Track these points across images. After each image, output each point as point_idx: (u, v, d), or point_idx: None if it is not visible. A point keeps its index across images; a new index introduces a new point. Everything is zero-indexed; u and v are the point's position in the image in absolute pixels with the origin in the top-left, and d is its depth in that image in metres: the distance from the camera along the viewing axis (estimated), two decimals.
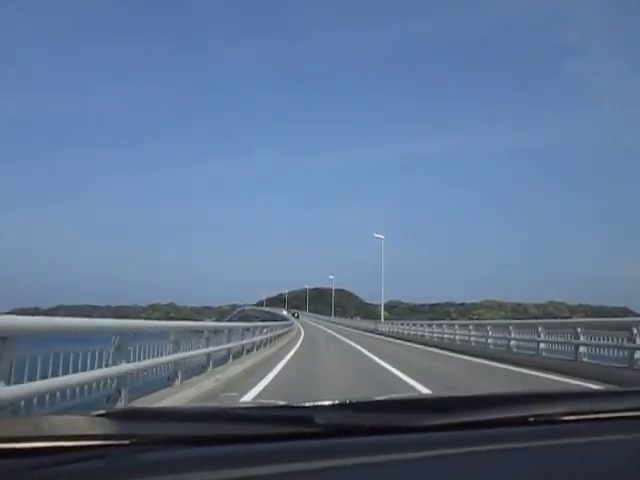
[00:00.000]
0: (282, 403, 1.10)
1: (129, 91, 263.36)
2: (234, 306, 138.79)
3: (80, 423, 0.88)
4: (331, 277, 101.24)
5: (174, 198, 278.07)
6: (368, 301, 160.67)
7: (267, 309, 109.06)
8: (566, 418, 1.10)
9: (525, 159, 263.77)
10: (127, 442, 0.85)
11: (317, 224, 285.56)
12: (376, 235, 46.58)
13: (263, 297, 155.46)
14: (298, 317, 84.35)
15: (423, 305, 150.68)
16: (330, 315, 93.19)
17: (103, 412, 0.92)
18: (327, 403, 1.06)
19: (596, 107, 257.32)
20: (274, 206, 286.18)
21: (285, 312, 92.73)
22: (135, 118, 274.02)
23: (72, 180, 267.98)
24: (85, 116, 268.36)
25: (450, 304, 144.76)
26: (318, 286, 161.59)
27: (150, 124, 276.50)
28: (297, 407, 1.06)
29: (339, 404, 1.07)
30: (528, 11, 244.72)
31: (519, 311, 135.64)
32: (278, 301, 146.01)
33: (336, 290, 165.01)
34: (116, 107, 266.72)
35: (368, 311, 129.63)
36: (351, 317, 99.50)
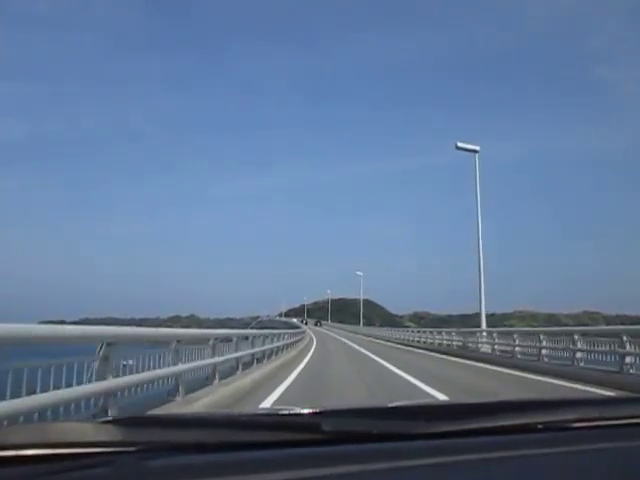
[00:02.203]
0: (288, 409, 1.11)
1: (155, 106, 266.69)
2: (256, 318, 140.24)
3: (87, 430, 0.90)
4: (359, 273, 79.08)
5: (196, 210, 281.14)
6: (394, 312, 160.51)
7: (283, 319, 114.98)
8: (575, 425, 1.10)
9: (554, 166, 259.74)
10: (134, 449, 0.87)
11: (341, 235, 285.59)
12: (463, 145, 25.86)
13: (285, 308, 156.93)
14: (307, 323, 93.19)
15: (451, 316, 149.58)
16: (357, 324, 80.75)
17: (110, 419, 0.95)
18: (334, 409, 1.08)
19: (626, 114, 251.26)
20: (297, 217, 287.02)
21: (295, 320, 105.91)
22: (161, 133, 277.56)
23: (97, 195, 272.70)
24: (115, 132, 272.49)
25: (479, 315, 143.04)
26: (342, 296, 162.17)
27: (174, 138, 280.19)
28: (304, 414, 1.06)
29: (346, 410, 1.09)
30: (555, 18, 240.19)
31: (552, 322, 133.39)
32: (300, 312, 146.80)
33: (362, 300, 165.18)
34: (142, 122, 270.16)
35: (394, 322, 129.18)
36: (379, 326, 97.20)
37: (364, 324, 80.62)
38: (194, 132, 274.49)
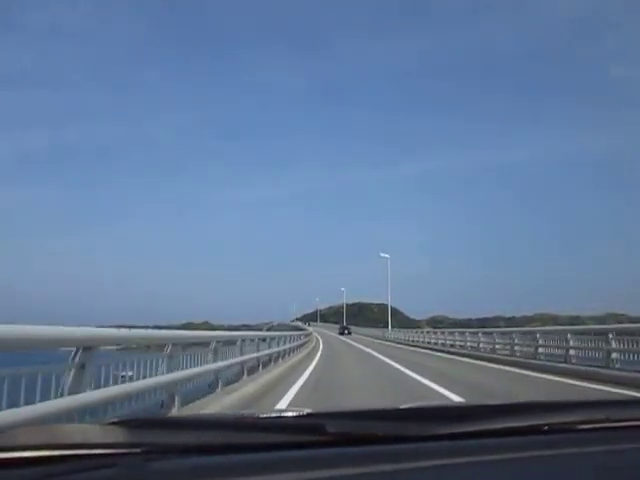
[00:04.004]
0: (293, 411, 1.10)
1: (177, 119, 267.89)
2: (268, 323, 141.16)
3: (92, 431, 0.92)
4: (385, 255, 59.16)
5: (210, 216, 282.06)
6: (412, 316, 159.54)
7: (292, 324, 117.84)
8: (581, 427, 1.11)
9: (574, 167, 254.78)
10: (138, 451, 0.87)
11: (357, 241, 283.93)
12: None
13: (300, 314, 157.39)
14: (309, 325, 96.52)
15: (470, 320, 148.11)
16: (375, 328, 67.65)
17: (115, 420, 0.96)
18: (339, 411, 1.10)
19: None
20: (312, 222, 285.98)
21: (300, 323, 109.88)
22: (182, 145, 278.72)
23: (108, 202, 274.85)
24: (133, 143, 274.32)
25: (499, 318, 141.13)
26: (358, 301, 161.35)
27: (189, 144, 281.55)
28: (308, 415, 1.08)
29: (350, 412, 1.11)
30: (570, 19, 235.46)
31: (575, 324, 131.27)
32: (314, 317, 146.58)
33: (377, 304, 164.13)
34: (165, 135, 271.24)
35: (411, 326, 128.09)
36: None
37: (381, 328, 64.19)
38: (209, 138, 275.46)
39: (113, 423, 0.94)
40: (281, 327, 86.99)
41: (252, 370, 11.96)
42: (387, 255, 58.71)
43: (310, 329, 59.36)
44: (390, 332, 49.87)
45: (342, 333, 65.18)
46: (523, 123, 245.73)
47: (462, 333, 25.26)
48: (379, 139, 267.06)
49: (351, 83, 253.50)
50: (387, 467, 0.89)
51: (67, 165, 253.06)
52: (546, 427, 1.08)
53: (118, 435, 0.90)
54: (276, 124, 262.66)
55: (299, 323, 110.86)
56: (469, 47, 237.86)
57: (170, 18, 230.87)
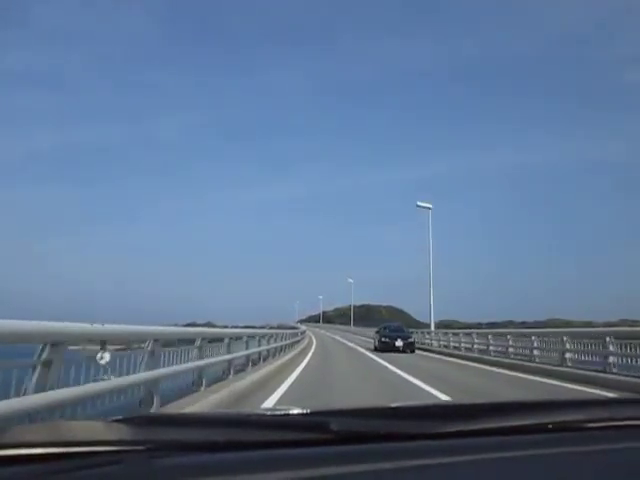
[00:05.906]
0: (297, 409, 1.10)
1: (180, 119, 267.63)
2: (270, 324, 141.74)
3: (97, 428, 0.92)
4: (425, 205, 36.76)
5: (214, 217, 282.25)
6: (419, 319, 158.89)
7: (291, 324, 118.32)
8: (585, 425, 1.11)
9: (590, 171, 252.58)
10: (143, 448, 0.88)
11: (363, 244, 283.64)
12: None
13: (304, 315, 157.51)
14: (301, 322, 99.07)
15: (480, 324, 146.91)
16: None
17: (120, 418, 0.96)
18: (342, 409, 1.09)
19: None
20: (316, 225, 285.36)
21: (294, 323, 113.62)
22: (186, 145, 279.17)
23: (117, 203, 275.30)
24: (137, 143, 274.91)
25: (510, 323, 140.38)
26: (365, 302, 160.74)
27: (192, 145, 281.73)
28: (312, 413, 1.09)
29: (354, 410, 1.10)
30: (582, 24, 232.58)
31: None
32: (319, 318, 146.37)
33: (385, 307, 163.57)
34: (168, 135, 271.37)
35: (419, 329, 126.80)
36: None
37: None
38: (212, 138, 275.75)
39: (117, 420, 0.95)
40: (280, 327, 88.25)
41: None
42: (429, 205, 37.31)
43: (303, 327, 59.75)
44: (434, 335, 31.39)
45: (390, 348, 25.54)
46: (536, 126, 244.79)
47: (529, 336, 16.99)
48: (382, 140, 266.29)
49: (357, 84, 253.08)
50: (391, 465, 0.89)
51: (68, 165, 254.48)
52: (550, 425, 1.08)
53: (122, 432, 0.90)
54: (280, 125, 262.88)
55: (294, 323, 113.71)
56: (482, 50, 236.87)
57: (172, 16, 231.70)
